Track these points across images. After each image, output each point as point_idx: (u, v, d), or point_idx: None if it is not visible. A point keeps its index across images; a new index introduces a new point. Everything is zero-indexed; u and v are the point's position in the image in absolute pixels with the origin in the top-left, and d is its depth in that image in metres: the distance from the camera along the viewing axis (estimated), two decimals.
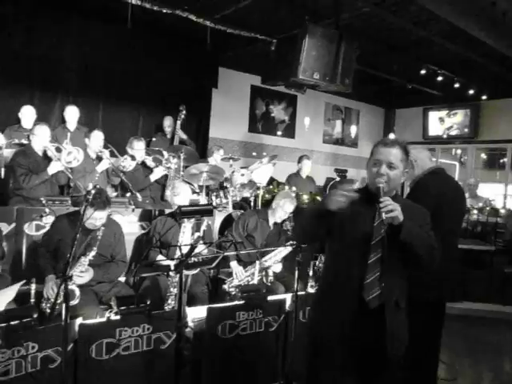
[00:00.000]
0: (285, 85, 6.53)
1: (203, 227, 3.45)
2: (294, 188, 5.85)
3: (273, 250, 4.05)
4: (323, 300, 2.19)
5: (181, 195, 3.87)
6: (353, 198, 1.94)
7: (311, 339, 2.20)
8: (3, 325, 2.17)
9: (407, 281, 2.15)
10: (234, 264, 4.06)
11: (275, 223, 4.33)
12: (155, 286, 3.57)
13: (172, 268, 2.53)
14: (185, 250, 2.49)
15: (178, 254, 2.57)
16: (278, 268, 4.12)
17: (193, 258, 2.60)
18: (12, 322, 2.20)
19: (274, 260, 4.06)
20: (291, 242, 4.04)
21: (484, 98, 8.30)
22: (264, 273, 4.03)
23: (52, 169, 4.23)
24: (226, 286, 3.96)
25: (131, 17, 5.26)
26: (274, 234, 4.32)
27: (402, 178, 2.11)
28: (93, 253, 3.07)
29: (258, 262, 3.91)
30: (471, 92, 7.93)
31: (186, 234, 3.44)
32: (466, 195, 7.14)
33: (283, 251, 4.04)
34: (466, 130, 9.30)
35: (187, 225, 3.41)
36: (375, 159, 2.09)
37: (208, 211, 2.27)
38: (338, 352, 2.07)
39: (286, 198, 4.25)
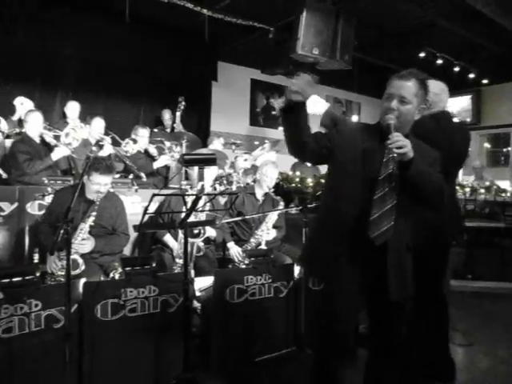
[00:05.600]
0: (284, 73, 6.55)
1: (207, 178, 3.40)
2: (297, 173, 5.80)
3: (263, 220, 4.01)
4: (323, 224, 2.13)
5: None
6: (309, 87, 1.89)
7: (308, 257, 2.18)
8: (5, 280, 2.12)
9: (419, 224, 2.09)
10: (230, 245, 3.96)
11: (266, 194, 4.22)
12: (160, 261, 3.51)
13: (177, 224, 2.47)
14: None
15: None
16: (271, 236, 4.03)
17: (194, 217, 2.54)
18: (14, 279, 2.15)
19: (267, 228, 3.99)
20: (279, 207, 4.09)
21: (485, 82, 8.24)
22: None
23: (56, 154, 4.20)
24: None
25: (129, 10, 5.29)
26: (266, 205, 4.20)
27: (415, 115, 1.99)
28: (92, 218, 3.00)
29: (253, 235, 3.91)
30: (472, 76, 7.85)
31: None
32: (472, 177, 7.14)
33: (272, 217, 4.00)
34: (468, 117, 9.22)
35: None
36: (387, 93, 2.00)
37: (211, 160, 2.22)
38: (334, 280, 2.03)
39: (267, 165, 4.13)
